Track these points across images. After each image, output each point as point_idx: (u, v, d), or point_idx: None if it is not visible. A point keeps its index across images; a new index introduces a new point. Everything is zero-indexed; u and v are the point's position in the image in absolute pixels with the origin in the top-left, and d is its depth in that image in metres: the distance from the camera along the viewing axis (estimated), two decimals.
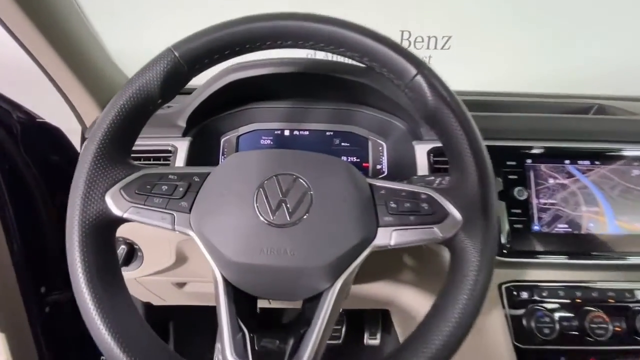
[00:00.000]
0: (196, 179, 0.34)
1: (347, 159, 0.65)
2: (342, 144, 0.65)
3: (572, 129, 0.56)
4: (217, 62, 0.36)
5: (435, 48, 0.96)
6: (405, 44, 1.05)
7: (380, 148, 0.64)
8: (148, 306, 0.83)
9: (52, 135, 0.70)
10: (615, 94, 0.81)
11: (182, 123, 0.57)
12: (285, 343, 0.30)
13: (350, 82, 0.54)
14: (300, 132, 0.64)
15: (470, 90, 0.81)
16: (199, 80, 0.58)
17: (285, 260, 0.29)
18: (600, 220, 0.51)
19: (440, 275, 0.60)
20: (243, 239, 0.30)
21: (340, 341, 1.13)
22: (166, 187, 0.33)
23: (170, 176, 0.34)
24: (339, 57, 0.38)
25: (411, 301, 0.70)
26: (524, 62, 0.92)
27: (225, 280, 0.32)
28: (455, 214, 0.32)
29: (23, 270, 0.70)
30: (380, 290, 0.71)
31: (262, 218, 0.30)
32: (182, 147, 0.55)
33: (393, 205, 0.33)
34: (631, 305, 0.51)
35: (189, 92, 0.59)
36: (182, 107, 0.57)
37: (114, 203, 0.32)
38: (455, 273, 0.31)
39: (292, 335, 0.31)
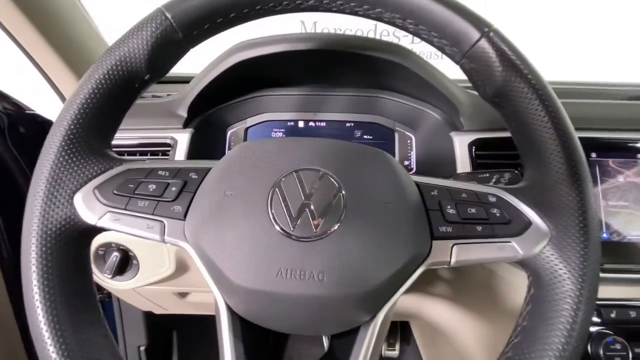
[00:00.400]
0: (193, 176, 0.26)
1: None
2: (365, 136, 0.57)
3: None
4: (220, 28, 0.28)
5: None
6: (417, 39, 0.97)
7: (409, 141, 0.55)
8: (149, 315, 0.77)
9: (44, 129, 0.63)
10: None
11: (183, 112, 0.49)
12: None
13: (375, 61, 0.45)
14: (317, 123, 0.56)
15: None
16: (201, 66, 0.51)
17: (310, 286, 0.21)
18: None
19: (477, 291, 0.52)
20: (254, 257, 0.22)
21: None
22: (154, 187, 0.25)
23: (160, 172, 0.26)
24: (364, 27, 0.30)
25: (438, 315, 0.62)
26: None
27: (230, 310, 0.24)
28: (540, 222, 0.23)
29: (12, 274, 0.65)
30: (406, 303, 0.63)
31: (278, 228, 0.22)
32: (183, 140, 0.48)
33: (451, 210, 0.25)
34: None
35: (189, 79, 0.52)
36: (183, 94, 0.50)
37: (86, 207, 0.24)
38: (542, 306, 0.23)
39: None
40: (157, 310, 0.74)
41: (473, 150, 0.46)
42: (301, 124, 0.56)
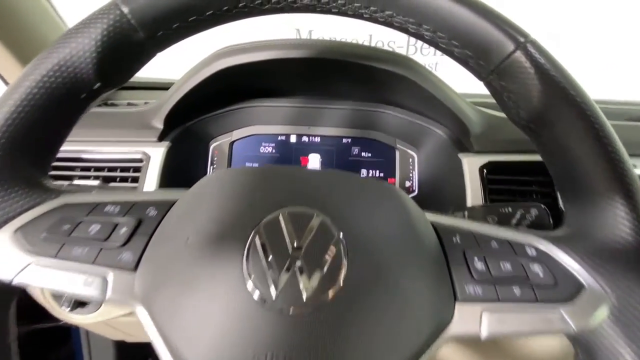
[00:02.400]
0: (151, 213, 0.20)
1: (369, 172, 0.51)
2: (363, 153, 0.51)
3: None
4: (193, 29, 0.23)
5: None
6: (412, 49, 0.94)
7: (411, 159, 0.51)
8: (120, 345, 0.69)
9: None
10: None
11: (158, 123, 0.43)
12: None
13: (376, 72, 0.41)
14: (310, 137, 0.51)
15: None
16: (181, 72, 0.46)
17: None
18: None
19: (494, 344, 0.47)
20: (220, 335, 0.16)
21: None
22: (98, 227, 0.19)
23: (108, 207, 0.20)
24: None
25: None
26: None
27: None
28: (595, 286, 0.18)
29: None
30: None
31: (256, 296, 0.16)
32: (157, 155, 0.42)
33: (479, 265, 0.19)
34: None
35: (168, 86, 0.46)
36: (160, 102, 0.44)
37: (3, 256, 0.18)
38: None
39: None
40: (129, 339, 0.67)
41: (485, 174, 0.41)
42: (293, 139, 0.51)
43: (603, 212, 0.19)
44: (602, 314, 0.18)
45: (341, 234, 0.18)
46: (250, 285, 0.16)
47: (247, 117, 0.50)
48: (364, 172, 0.51)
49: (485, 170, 0.41)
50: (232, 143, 0.50)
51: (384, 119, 0.50)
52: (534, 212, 0.27)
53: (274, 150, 0.51)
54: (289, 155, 0.51)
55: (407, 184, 0.51)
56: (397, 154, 0.51)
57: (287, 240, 0.17)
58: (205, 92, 0.44)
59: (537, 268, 0.19)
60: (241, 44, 0.40)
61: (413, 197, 0.50)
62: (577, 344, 0.19)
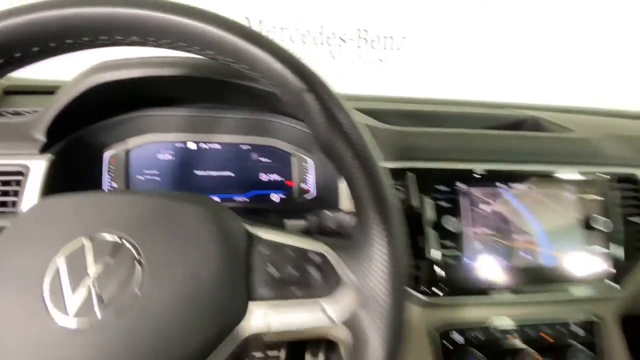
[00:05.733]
0: None
1: (269, 176, 0.55)
2: (262, 159, 0.55)
3: (508, 149, 0.51)
4: (20, 63, 0.24)
5: (391, 49, 0.95)
6: (362, 42, 0.99)
7: (305, 164, 0.55)
8: None
9: None
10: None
11: (40, 135, 0.43)
12: None
13: (258, 90, 0.44)
14: (209, 145, 0.53)
15: (405, 97, 0.76)
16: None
17: None
18: (534, 250, 0.47)
19: None
20: (20, 355, 0.18)
21: None
22: None
23: None
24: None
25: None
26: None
27: None
28: (351, 284, 0.23)
29: None
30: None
31: (56, 318, 0.19)
32: (38, 168, 0.42)
33: (272, 271, 0.24)
34: (566, 342, 0.47)
35: (53, 90, 0.45)
36: (40, 114, 0.44)
37: None
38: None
39: None
40: None
41: None
42: (192, 146, 0.53)
43: (366, 231, 0.24)
44: (353, 306, 0.23)
45: (141, 253, 0.21)
46: (49, 308, 0.19)
47: (142, 126, 0.51)
48: (263, 176, 0.55)
49: None
50: (128, 151, 0.51)
51: (279, 128, 0.54)
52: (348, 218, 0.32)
53: (173, 158, 0.52)
54: (188, 162, 0.53)
55: (304, 186, 0.55)
56: (293, 160, 0.55)
57: (86, 265, 0.20)
58: (91, 101, 0.44)
59: (315, 271, 0.24)
60: (114, 60, 0.41)
61: (310, 198, 0.55)
62: (342, 332, 0.24)
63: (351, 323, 0.23)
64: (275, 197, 0.55)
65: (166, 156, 0.52)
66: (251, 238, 0.25)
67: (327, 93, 0.25)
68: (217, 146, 0.53)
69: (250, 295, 0.23)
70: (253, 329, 0.22)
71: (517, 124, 0.70)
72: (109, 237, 0.21)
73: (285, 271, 0.23)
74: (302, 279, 0.23)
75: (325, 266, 0.24)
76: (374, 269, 0.23)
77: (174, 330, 0.20)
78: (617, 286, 0.48)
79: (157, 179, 0.51)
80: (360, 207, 0.24)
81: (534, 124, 0.68)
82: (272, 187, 0.55)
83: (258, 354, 1.06)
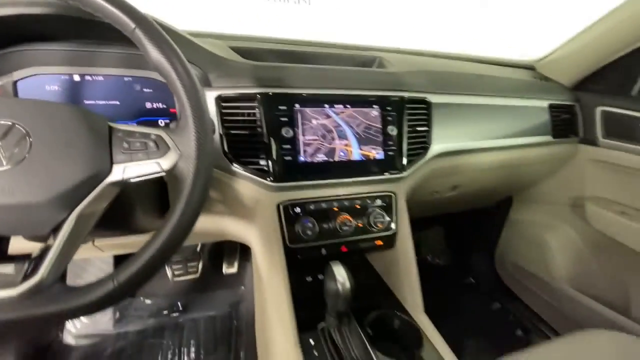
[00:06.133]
0: None
1: (153, 105, 0.67)
2: (145, 89, 0.66)
3: (336, 79, 0.70)
4: None
5: None
6: None
7: None
8: None
9: None
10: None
11: None
12: (22, 265, 0.36)
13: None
14: (94, 77, 0.63)
15: (278, 38, 0.90)
16: None
17: (5, 198, 0.33)
18: (349, 150, 0.69)
19: (228, 203, 0.71)
20: None
21: (198, 275, 1.25)
22: None
23: None
24: None
25: (239, 232, 0.81)
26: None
27: None
28: (175, 149, 0.40)
29: None
30: (209, 225, 0.80)
31: None
32: None
33: (126, 145, 0.39)
34: (369, 208, 0.72)
35: None
36: None
37: None
38: (178, 192, 0.40)
39: (32, 259, 0.36)
40: None
41: (220, 103, 0.62)
42: (77, 78, 0.62)
43: (186, 120, 0.40)
44: (176, 159, 0.40)
45: (29, 132, 0.35)
46: None
47: (27, 59, 0.58)
48: (148, 104, 0.66)
49: (221, 101, 0.62)
50: (15, 82, 0.58)
51: None
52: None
53: (59, 89, 0.61)
54: (75, 93, 0.62)
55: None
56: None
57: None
58: None
59: (152, 144, 0.40)
60: None
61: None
62: (173, 175, 0.42)
63: (175, 169, 0.40)
64: (162, 122, 0.68)
65: (53, 87, 0.60)
66: (111, 127, 0.40)
67: (152, 29, 0.39)
68: (101, 78, 0.63)
69: (112, 160, 0.39)
70: (117, 178, 0.39)
71: (369, 62, 0.90)
72: (4, 122, 0.34)
73: (135, 145, 0.39)
74: (146, 149, 0.39)
75: (160, 141, 0.40)
76: (188, 141, 0.40)
77: (57, 171, 0.35)
78: (405, 172, 0.74)
79: None
80: (181, 107, 0.40)
81: (379, 62, 0.89)
82: (158, 114, 0.68)
83: (177, 266, 1.25)
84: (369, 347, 0.59)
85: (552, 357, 0.70)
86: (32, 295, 0.34)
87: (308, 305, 0.64)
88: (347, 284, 0.53)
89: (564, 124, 1.02)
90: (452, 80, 0.87)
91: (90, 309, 0.37)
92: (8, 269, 0.35)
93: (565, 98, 1.05)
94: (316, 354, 0.57)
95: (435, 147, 0.79)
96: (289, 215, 0.67)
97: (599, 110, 1.02)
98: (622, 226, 0.97)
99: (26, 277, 0.35)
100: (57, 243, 0.36)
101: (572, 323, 1.15)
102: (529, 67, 1.17)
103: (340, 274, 0.54)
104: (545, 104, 0.98)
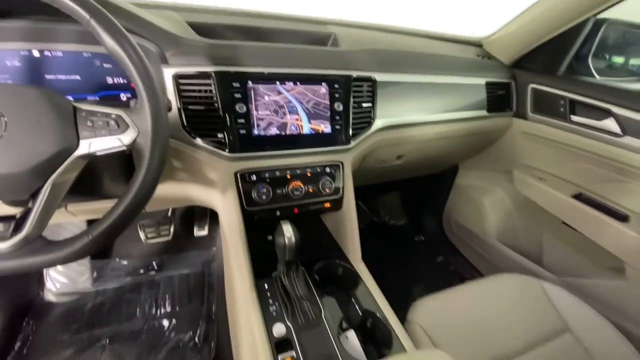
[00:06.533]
0: None
1: (114, 79, 0.71)
2: (104, 65, 0.70)
3: (288, 57, 0.77)
4: None
5: None
6: None
7: None
8: None
9: None
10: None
11: None
12: (9, 224, 0.43)
13: None
14: (53, 52, 0.66)
15: (236, 10, 0.93)
16: None
17: None
18: (300, 124, 0.78)
19: (190, 171, 0.79)
20: None
21: (170, 237, 1.34)
22: None
23: None
24: None
25: (204, 197, 0.89)
26: None
27: None
28: (134, 127, 0.48)
29: None
30: (176, 191, 0.87)
31: None
32: None
33: (90, 123, 0.46)
34: (319, 175, 0.83)
35: None
36: None
37: None
38: (137, 163, 0.48)
39: (16, 219, 0.44)
40: None
41: (177, 80, 0.68)
42: (36, 53, 0.65)
43: (141, 101, 0.47)
44: (134, 136, 0.47)
45: (2, 113, 0.41)
46: None
47: None
48: (109, 79, 0.71)
49: (178, 78, 0.68)
50: None
51: None
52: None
53: (20, 64, 0.64)
54: (36, 68, 0.65)
55: None
56: None
57: None
58: None
59: (113, 122, 0.47)
60: None
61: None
62: (133, 150, 0.49)
63: (135, 144, 0.48)
64: (124, 96, 0.73)
65: (14, 63, 0.63)
66: (75, 107, 0.47)
67: (106, 19, 0.44)
68: (60, 54, 0.66)
69: (79, 136, 0.45)
70: (84, 152, 0.46)
71: (325, 38, 0.95)
72: None
73: (98, 124, 0.46)
74: (108, 127, 0.46)
75: (120, 120, 0.47)
76: (144, 120, 0.47)
77: (32, 147, 0.42)
78: (351, 144, 0.84)
79: (10, 81, 0.64)
80: (137, 89, 0.47)
81: (334, 39, 0.95)
82: (119, 88, 0.72)
83: (150, 229, 1.33)
84: (312, 287, 0.72)
85: (465, 294, 0.87)
86: (20, 248, 0.43)
87: (267, 259, 0.75)
88: (293, 239, 0.65)
89: (499, 99, 1.14)
90: (398, 59, 0.95)
91: (69, 259, 0.45)
92: None
93: (502, 75, 1.16)
94: (269, 294, 0.70)
95: (379, 122, 0.89)
96: (245, 182, 0.76)
97: (530, 87, 1.14)
98: (539, 190, 1.14)
99: (14, 233, 0.43)
100: (37, 205, 0.44)
101: (498, 271, 1.36)
102: (476, 44, 1.26)
103: (288, 231, 0.65)
104: (482, 81, 1.09)
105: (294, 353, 0.58)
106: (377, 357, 0.61)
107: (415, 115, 0.97)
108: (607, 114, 0.94)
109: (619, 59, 1.27)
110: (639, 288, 0.93)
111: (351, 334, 0.64)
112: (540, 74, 1.12)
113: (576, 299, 0.85)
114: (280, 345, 0.59)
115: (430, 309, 0.80)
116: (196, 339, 1.12)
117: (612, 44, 1.15)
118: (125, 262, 1.31)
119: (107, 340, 1.09)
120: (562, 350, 0.77)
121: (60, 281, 1.22)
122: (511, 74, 1.18)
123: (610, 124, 0.93)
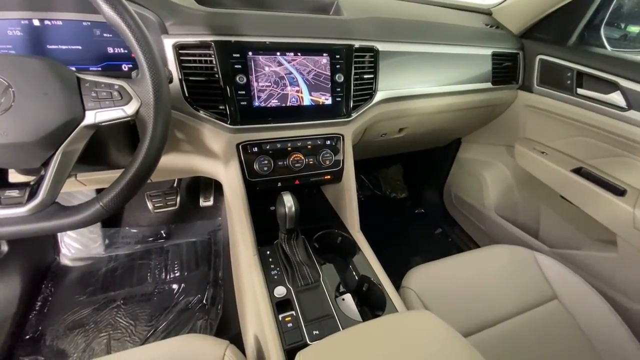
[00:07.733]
0: None
1: (115, 50, 0.71)
2: (105, 34, 0.70)
3: (290, 26, 0.76)
4: None
5: None
6: None
7: None
8: None
9: None
10: None
11: None
12: (24, 190, 0.46)
13: None
14: (53, 21, 0.66)
15: None
16: None
17: (2, 139, 0.42)
18: (300, 96, 0.78)
19: (194, 143, 0.81)
20: None
21: (176, 207, 1.39)
22: None
23: None
24: None
25: (208, 168, 0.92)
26: None
27: None
28: (136, 98, 0.49)
29: None
30: (180, 162, 0.90)
31: None
32: None
33: (94, 94, 0.47)
34: (319, 148, 0.84)
35: None
36: None
37: None
38: (141, 133, 0.50)
39: (31, 184, 0.47)
40: None
41: (178, 50, 0.68)
42: (37, 22, 0.65)
43: (143, 72, 0.48)
44: (138, 107, 0.49)
45: (10, 84, 0.42)
46: None
47: None
48: (110, 49, 0.71)
49: (178, 48, 0.67)
50: None
51: None
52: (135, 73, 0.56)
53: (21, 33, 0.64)
54: (38, 37, 0.65)
55: None
56: None
57: None
58: None
59: (116, 93, 0.48)
60: None
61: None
62: (136, 120, 0.51)
63: (138, 115, 0.49)
64: (125, 67, 0.73)
65: (16, 32, 0.64)
66: (79, 78, 0.48)
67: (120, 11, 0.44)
68: (60, 23, 0.66)
69: (84, 107, 0.47)
70: (90, 122, 0.47)
71: (328, 6, 0.93)
72: None
73: (102, 94, 0.47)
74: (111, 98, 0.48)
75: (122, 91, 0.48)
76: (146, 91, 0.48)
77: (41, 117, 0.44)
78: (352, 116, 0.85)
79: (13, 52, 0.64)
80: (138, 60, 0.48)
81: (336, 7, 0.92)
82: (121, 58, 0.72)
83: (157, 199, 1.37)
84: (311, 253, 0.76)
85: (459, 262, 0.91)
86: (37, 212, 0.46)
87: (270, 228, 0.79)
88: (293, 208, 0.67)
89: (505, 71, 1.12)
90: (401, 28, 0.92)
91: (83, 223, 0.48)
92: (14, 192, 0.46)
93: (511, 46, 1.13)
94: (270, 260, 0.74)
95: (381, 94, 0.88)
96: (247, 153, 0.78)
97: (538, 58, 1.11)
98: (539, 164, 1.15)
99: (29, 198, 0.46)
100: (50, 172, 0.46)
101: (494, 243, 1.40)
102: (485, 12, 1.21)
103: (289, 201, 0.68)
104: (489, 52, 1.06)
105: (293, 312, 0.63)
106: (371, 318, 0.66)
107: (418, 87, 0.96)
108: (614, 87, 0.92)
109: (634, 29, 1.22)
110: (629, 260, 0.95)
111: (348, 297, 0.68)
112: (550, 44, 1.09)
113: (567, 269, 0.89)
114: (280, 305, 0.64)
115: (424, 275, 0.84)
116: (204, 301, 1.19)
117: (628, 12, 1.10)
118: (135, 230, 1.37)
119: (122, 301, 1.16)
120: (549, 315, 0.81)
121: (75, 247, 1.28)
122: (520, 44, 1.14)
123: (616, 97, 0.92)
